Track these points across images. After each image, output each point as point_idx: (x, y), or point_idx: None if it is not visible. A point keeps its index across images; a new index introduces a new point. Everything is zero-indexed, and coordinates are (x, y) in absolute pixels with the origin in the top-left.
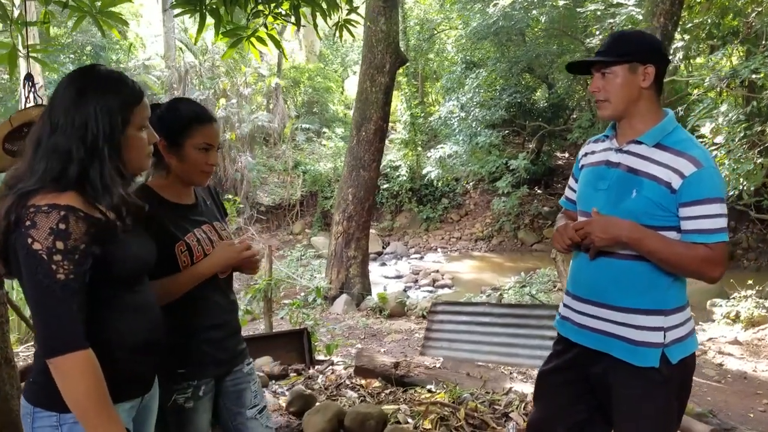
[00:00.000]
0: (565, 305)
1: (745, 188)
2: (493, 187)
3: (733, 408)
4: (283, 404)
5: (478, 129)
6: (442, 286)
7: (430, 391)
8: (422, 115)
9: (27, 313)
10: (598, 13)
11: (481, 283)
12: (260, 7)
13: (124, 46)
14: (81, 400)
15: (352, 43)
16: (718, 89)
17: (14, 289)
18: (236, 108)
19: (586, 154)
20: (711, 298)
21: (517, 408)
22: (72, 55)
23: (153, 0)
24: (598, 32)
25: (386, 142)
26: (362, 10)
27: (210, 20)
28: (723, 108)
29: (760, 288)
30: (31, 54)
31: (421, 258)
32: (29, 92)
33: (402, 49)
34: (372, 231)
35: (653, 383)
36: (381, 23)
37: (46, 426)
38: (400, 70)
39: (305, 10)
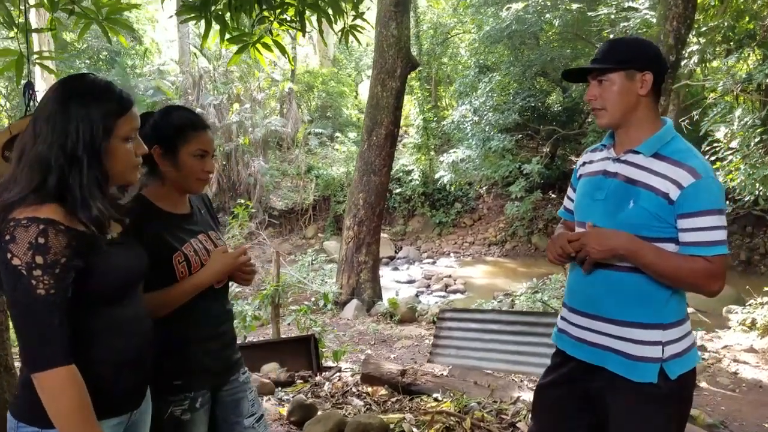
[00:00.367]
0: (562, 318)
1: (761, 193)
2: (506, 192)
3: (747, 418)
4: (285, 413)
5: (492, 133)
6: (455, 291)
7: (436, 399)
8: (435, 119)
9: None
10: (612, 16)
11: (494, 288)
12: (265, 14)
13: (139, 52)
14: (64, 416)
15: (366, 47)
16: (734, 93)
17: None
18: (249, 113)
19: (584, 164)
20: (727, 304)
21: (524, 418)
22: (87, 61)
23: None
24: (612, 36)
25: (399, 146)
26: (373, 15)
27: (216, 26)
28: (738, 112)
29: None
30: (37, 61)
31: (434, 263)
32: (29, 100)
33: (415, 54)
34: (384, 235)
35: (651, 399)
36: (392, 28)
37: None
38: (413, 75)
39: (311, 16)
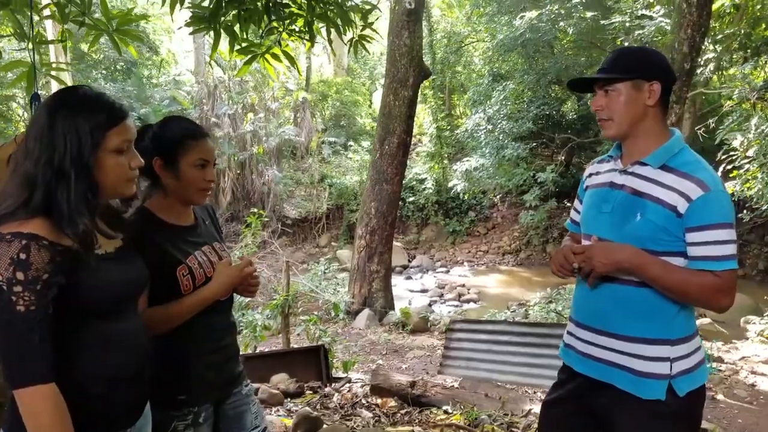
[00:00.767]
0: (568, 332)
1: None
2: (520, 200)
3: (764, 431)
4: (290, 425)
5: (505, 141)
6: (468, 301)
7: (446, 412)
8: (448, 127)
9: None
10: (627, 24)
11: (508, 298)
12: (274, 24)
13: (156, 62)
14: None
15: (380, 57)
16: (751, 101)
17: None
18: (264, 122)
19: (590, 175)
20: (745, 314)
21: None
22: (104, 71)
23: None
24: (626, 44)
25: (412, 154)
26: (386, 24)
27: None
28: (755, 120)
29: None
30: (47, 72)
31: (447, 272)
32: (36, 112)
33: (429, 63)
34: (398, 244)
35: (659, 417)
36: (404, 37)
37: None
38: (426, 83)
39: (321, 27)
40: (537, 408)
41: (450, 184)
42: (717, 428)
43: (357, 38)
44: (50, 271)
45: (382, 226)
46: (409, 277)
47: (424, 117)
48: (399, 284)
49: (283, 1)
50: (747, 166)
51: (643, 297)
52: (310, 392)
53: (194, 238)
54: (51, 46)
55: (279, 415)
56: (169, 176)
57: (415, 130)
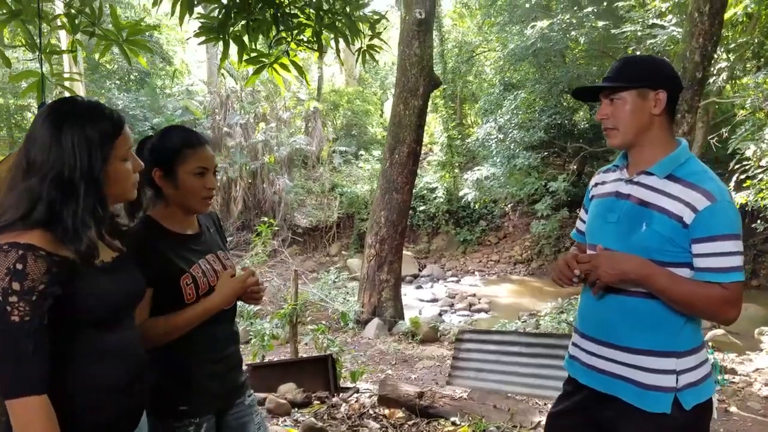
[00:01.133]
0: (573, 344)
1: None
2: (532, 210)
3: None
4: None
5: (517, 150)
6: (479, 311)
7: (454, 423)
8: (459, 136)
9: None
10: (639, 33)
11: (519, 308)
12: (283, 35)
13: (169, 72)
14: None
15: (391, 66)
16: (765, 111)
17: None
18: (275, 131)
19: (596, 185)
20: (759, 326)
21: None
22: (118, 81)
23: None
24: (638, 53)
25: (423, 163)
26: (396, 34)
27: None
28: (767, 130)
29: None
30: (57, 82)
31: (458, 281)
32: None
33: (440, 72)
34: (408, 253)
35: (665, 430)
36: (414, 47)
37: None
38: (437, 92)
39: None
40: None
41: (461, 193)
42: None
43: (365, 48)
44: (46, 282)
45: (392, 235)
46: (419, 287)
47: (435, 126)
48: (409, 293)
49: (292, 12)
50: (761, 176)
51: (649, 309)
52: (318, 402)
53: (198, 247)
54: (65, 56)
55: (286, 425)
56: (169, 186)
57: (426, 139)
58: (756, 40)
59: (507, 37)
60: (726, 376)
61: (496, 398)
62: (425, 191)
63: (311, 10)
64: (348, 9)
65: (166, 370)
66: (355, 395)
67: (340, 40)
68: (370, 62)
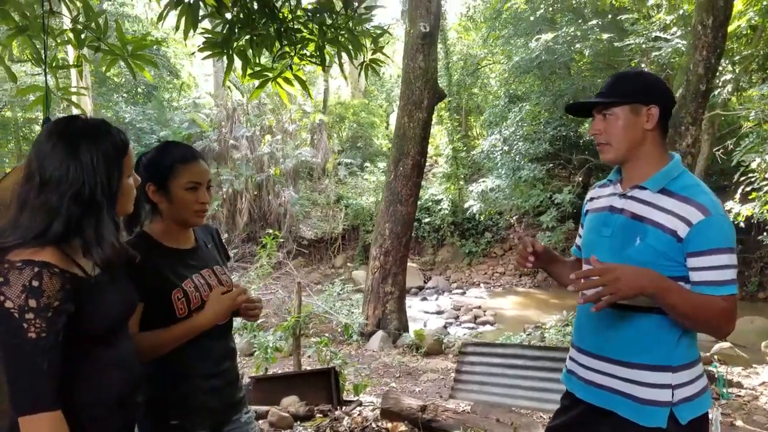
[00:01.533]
0: (571, 358)
1: None
2: (537, 222)
3: None
4: None
5: (522, 162)
6: (484, 323)
7: None
8: (465, 148)
9: None
10: (643, 46)
11: (525, 320)
12: (286, 49)
13: (176, 86)
14: None
15: (397, 79)
16: None
17: None
18: (281, 144)
19: (591, 199)
20: (766, 339)
21: None
22: (125, 95)
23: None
24: (643, 65)
25: (428, 175)
26: (401, 47)
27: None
28: None
29: None
30: (63, 96)
31: (463, 293)
32: None
33: (445, 85)
34: (413, 265)
35: None
36: (419, 60)
37: None
38: (442, 105)
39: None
40: None
41: (466, 205)
42: None
43: (368, 62)
44: (61, 299)
45: (397, 247)
46: (424, 299)
47: (440, 138)
48: (414, 306)
49: (295, 26)
50: (766, 188)
51: (645, 323)
52: (320, 415)
53: (193, 262)
54: (73, 71)
55: None
56: (162, 201)
57: (432, 151)
58: (761, 52)
59: (512, 50)
60: (731, 390)
61: (500, 412)
62: (430, 203)
63: (314, 25)
64: (351, 24)
65: (159, 384)
66: (358, 408)
67: (343, 54)
68: (374, 75)
